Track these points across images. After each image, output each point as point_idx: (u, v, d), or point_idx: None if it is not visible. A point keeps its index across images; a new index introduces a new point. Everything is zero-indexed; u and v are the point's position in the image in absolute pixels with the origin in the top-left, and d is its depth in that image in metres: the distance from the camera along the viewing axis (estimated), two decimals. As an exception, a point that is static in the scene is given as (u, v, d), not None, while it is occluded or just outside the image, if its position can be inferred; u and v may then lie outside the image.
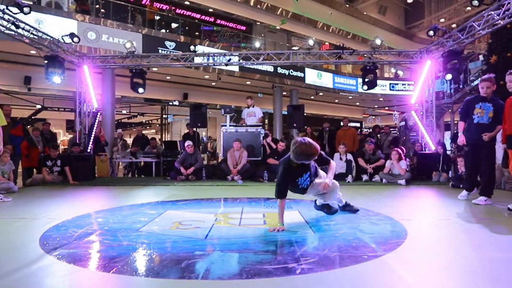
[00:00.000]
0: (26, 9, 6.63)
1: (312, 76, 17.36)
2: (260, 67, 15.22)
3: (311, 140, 2.95)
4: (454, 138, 8.79)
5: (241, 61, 9.87)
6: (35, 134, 8.12)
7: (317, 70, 17.61)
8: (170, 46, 8.34)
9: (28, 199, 5.07)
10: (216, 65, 11.38)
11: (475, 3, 6.69)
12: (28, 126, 11.03)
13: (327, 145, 9.55)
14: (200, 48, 9.98)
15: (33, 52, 9.56)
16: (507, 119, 4.05)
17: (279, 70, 15.98)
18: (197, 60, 9.77)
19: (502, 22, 6.66)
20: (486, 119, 4.39)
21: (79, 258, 2.33)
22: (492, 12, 6.66)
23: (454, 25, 21.74)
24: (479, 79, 4.65)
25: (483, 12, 6.92)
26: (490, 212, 3.94)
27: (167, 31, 14.55)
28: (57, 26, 9.96)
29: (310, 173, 3.25)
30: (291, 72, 16.51)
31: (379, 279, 1.98)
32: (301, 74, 16.93)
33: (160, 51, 11.19)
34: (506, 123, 4.07)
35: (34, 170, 7.78)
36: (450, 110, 15.42)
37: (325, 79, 17.93)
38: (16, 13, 6.71)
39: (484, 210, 4.06)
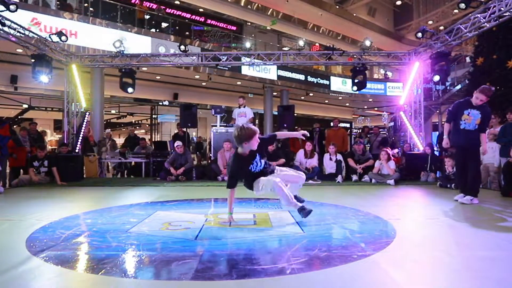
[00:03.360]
0: (12, 7, 6.50)
1: (337, 84, 18.49)
2: (294, 75, 16.76)
3: (246, 125, 3.27)
4: (439, 139, 8.94)
5: (232, 61, 9.85)
6: (22, 134, 7.97)
7: (342, 78, 18.71)
8: (222, 58, 9.25)
9: (14, 200, 4.98)
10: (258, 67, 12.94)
11: (462, 6, 6.80)
12: (15, 126, 10.81)
13: (317, 145, 9.58)
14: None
15: (19, 50, 9.40)
16: None
17: (309, 78, 17.39)
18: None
19: (488, 25, 6.79)
20: (472, 126, 4.46)
21: (67, 260, 2.30)
22: (479, 15, 6.78)
23: (441, 27, 22.07)
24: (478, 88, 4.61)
25: (470, 15, 7.05)
26: (477, 211, 4.01)
27: (157, 30, 14.49)
28: (135, 43, 11.49)
29: (260, 156, 3.38)
30: (319, 80, 17.85)
31: (369, 278, 2.00)
32: (327, 82, 18.13)
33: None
34: None
35: (21, 170, 7.64)
36: (437, 111, 15.68)
37: (350, 86, 18.68)
38: (2, 11, 6.57)
39: (471, 209, 4.13)
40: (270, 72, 15.69)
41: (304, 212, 3.31)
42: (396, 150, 7.34)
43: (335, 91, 18.55)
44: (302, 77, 17.14)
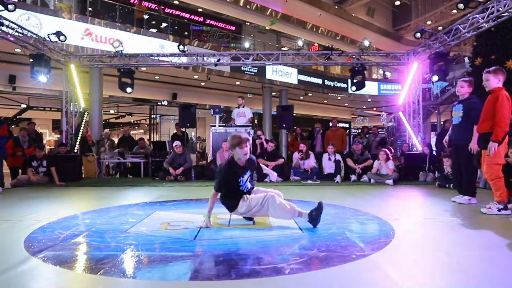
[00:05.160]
0: (10, 7, 6.49)
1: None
2: (312, 79, 17.57)
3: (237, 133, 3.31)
4: (438, 139, 8.95)
5: (230, 61, 9.85)
6: (22, 134, 7.96)
7: None
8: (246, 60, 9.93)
9: (13, 200, 4.97)
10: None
11: (461, 6, 6.81)
12: (13, 126, 10.81)
13: (317, 146, 9.60)
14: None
15: (18, 50, 9.38)
16: (481, 118, 4.12)
17: (326, 82, 18.10)
18: (184, 59, 9.73)
19: (486, 25, 6.80)
20: (457, 120, 4.55)
21: (65, 260, 2.29)
22: (477, 16, 6.80)
23: (440, 28, 22.11)
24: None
25: (468, 15, 7.06)
26: (474, 211, 4.01)
27: (156, 30, 14.49)
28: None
29: (251, 175, 3.40)
30: (336, 83, 18.55)
31: (367, 278, 2.00)
32: (345, 85, 18.73)
33: (242, 67, 14.45)
34: (481, 122, 4.13)
35: (19, 170, 7.63)
36: (436, 111, 15.69)
37: (369, 88, 19.30)
38: (0, 11, 6.56)
39: (469, 209, 4.14)
40: (291, 76, 16.64)
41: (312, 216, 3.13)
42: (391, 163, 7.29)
43: (353, 94, 18.88)
44: (319, 81, 17.93)
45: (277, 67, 15.89)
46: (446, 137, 4.89)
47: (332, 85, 18.39)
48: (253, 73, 15.24)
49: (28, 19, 9.22)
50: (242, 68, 14.68)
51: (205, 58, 9.85)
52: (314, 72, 17.88)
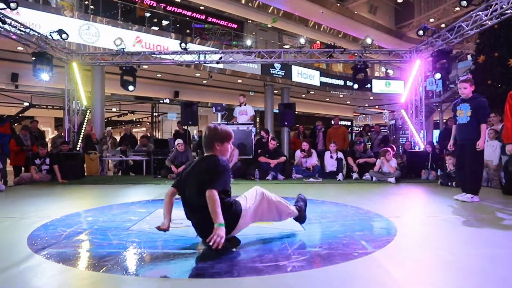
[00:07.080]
0: (13, 5, 6.50)
1: (380, 86, 19.39)
2: (334, 81, 18.15)
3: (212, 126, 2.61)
4: (440, 137, 8.92)
5: (231, 59, 9.83)
6: (23, 133, 7.97)
7: (385, 80, 19.96)
8: (277, 67, 9.69)
9: (15, 198, 4.99)
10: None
11: (464, 3, 6.78)
12: (16, 124, 10.83)
13: (319, 144, 9.59)
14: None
15: (20, 48, 9.41)
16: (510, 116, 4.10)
17: (348, 83, 18.38)
18: (187, 57, 9.72)
19: (489, 23, 6.76)
20: (465, 119, 4.51)
21: (68, 257, 2.30)
22: (480, 13, 6.76)
23: (443, 25, 22.01)
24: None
25: (472, 12, 7.02)
26: (477, 209, 4.00)
27: (158, 29, 14.49)
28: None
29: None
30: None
31: (369, 276, 2.00)
32: (368, 85, 19.21)
33: (270, 70, 15.40)
34: (510, 120, 4.12)
35: (22, 168, 7.66)
36: (439, 109, 15.64)
37: (395, 87, 19.69)
38: (2, 9, 6.57)
39: (471, 207, 4.13)
40: (314, 78, 17.25)
41: None
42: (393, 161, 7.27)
43: (377, 93, 19.43)
44: (341, 82, 18.39)
45: (301, 70, 16.49)
46: (451, 141, 4.85)
47: (353, 86, 18.53)
48: (280, 76, 15.88)
49: (88, 29, 10.70)
50: (271, 71, 15.37)
51: (206, 56, 9.83)
52: (336, 74, 18.40)
